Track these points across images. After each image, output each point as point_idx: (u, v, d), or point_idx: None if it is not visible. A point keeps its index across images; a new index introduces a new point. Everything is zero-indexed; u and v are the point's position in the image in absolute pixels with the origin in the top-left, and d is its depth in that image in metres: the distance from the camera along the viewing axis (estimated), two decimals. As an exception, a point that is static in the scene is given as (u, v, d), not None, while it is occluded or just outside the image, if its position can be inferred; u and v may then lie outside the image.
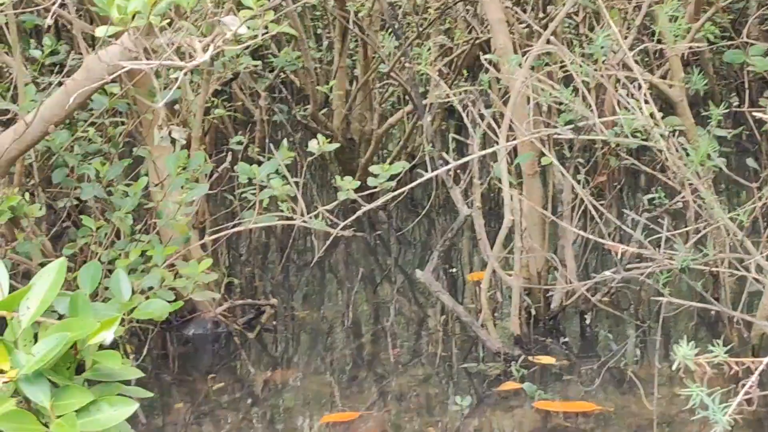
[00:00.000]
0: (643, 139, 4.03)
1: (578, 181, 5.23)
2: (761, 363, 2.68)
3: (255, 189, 4.96)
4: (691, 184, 4.20)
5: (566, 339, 5.18)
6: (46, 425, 3.30)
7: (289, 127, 8.09)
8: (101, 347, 3.59)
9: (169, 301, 4.47)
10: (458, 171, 5.50)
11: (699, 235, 4.39)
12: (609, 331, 5.24)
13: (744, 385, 2.62)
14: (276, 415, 4.64)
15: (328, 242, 4.43)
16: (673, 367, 2.57)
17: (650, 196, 5.31)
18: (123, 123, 5.54)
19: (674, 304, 3.93)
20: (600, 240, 4.58)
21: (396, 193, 4.04)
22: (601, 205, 4.70)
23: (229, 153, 5.99)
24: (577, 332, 5.29)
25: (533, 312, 5.22)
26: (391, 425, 4.49)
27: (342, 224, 3.84)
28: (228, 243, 6.02)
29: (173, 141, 5.11)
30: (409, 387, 4.82)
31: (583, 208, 5.28)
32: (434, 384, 4.83)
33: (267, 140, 6.95)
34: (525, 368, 4.82)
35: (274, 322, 5.58)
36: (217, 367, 5.15)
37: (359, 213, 3.84)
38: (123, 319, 4.16)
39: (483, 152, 3.93)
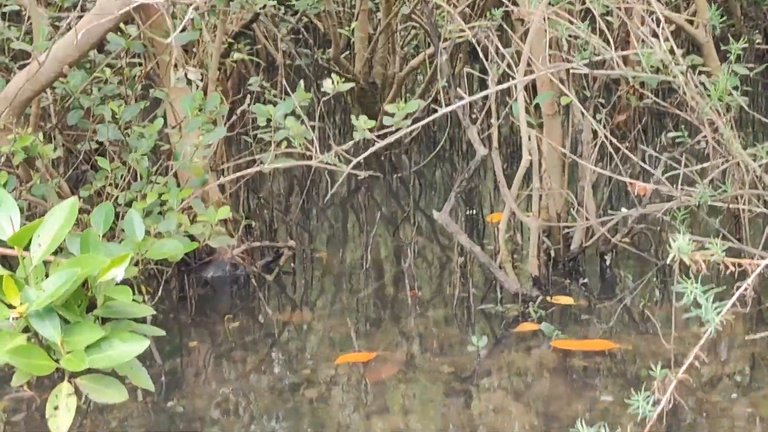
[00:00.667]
0: (660, 74, 3.97)
1: (598, 121, 5.17)
2: (758, 265, 2.65)
3: (271, 131, 4.93)
4: (710, 121, 4.15)
5: (585, 280, 5.15)
6: (56, 361, 3.31)
7: (311, 71, 8.05)
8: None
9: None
10: (477, 112, 5.46)
11: (717, 171, 4.34)
12: (629, 272, 5.20)
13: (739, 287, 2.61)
14: (293, 356, 4.64)
15: (340, 180, 4.40)
16: (668, 260, 2.55)
17: (672, 134, 5.26)
18: (141, 65, 5.51)
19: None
20: (619, 177, 4.53)
21: (411, 128, 3.99)
22: (623, 145, 4.64)
23: (249, 96, 5.95)
24: (596, 273, 5.26)
25: (552, 253, 5.19)
26: (408, 365, 4.48)
27: (355, 161, 3.80)
28: (247, 186, 6.00)
29: (190, 83, 5.09)
30: (427, 328, 4.81)
31: (604, 149, 5.22)
32: (452, 325, 4.82)
33: (284, 84, 6.91)
34: (543, 309, 4.80)
35: (293, 265, 5.58)
36: (235, 309, 5.15)
37: (373, 149, 3.79)
38: (138, 261, 4.16)
39: (499, 87, 3.88)
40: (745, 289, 2.72)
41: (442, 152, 7.49)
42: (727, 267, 2.74)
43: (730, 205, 4.37)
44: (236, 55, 6.31)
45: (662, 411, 2.71)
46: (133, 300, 3.55)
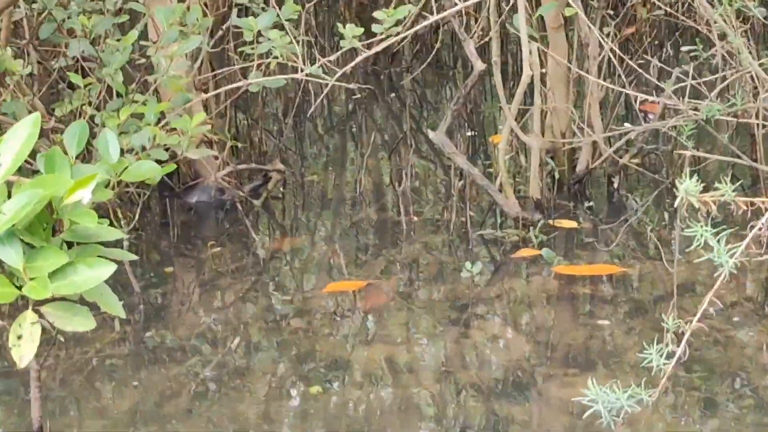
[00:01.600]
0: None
1: (606, 35, 5.08)
2: (773, 203, 2.57)
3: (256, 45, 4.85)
4: (721, 32, 4.05)
5: (591, 203, 5.09)
6: (19, 288, 3.27)
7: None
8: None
9: (162, 164, 4.40)
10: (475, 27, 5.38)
11: (725, 83, 4.25)
12: (638, 195, 5.14)
13: (753, 228, 2.53)
14: (281, 285, 4.61)
15: (324, 92, 4.31)
16: (675, 204, 2.48)
17: (687, 48, 5.16)
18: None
19: (701, 158, 3.82)
20: (626, 91, 4.44)
21: (399, 37, 3.88)
22: (633, 60, 4.55)
23: (236, 9, 5.85)
24: (603, 196, 5.21)
25: (557, 175, 5.13)
26: (401, 294, 4.44)
27: (341, 71, 3.69)
28: (236, 107, 5.93)
29: (169, -6, 5.01)
30: (422, 255, 4.76)
31: (613, 66, 5.13)
32: (449, 251, 4.78)
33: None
34: (545, 234, 4.75)
35: (282, 189, 5.52)
36: (221, 236, 5.11)
37: (360, 58, 3.70)
38: (113, 184, 4.10)
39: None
40: (760, 229, 2.65)
41: (446, 71, 7.40)
42: (739, 207, 2.67)
43: (740, 120, 4.28)
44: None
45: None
46: (101, 223, 3.49)
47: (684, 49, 5.21)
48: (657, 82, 4.37)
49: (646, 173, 5.19)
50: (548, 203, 4.97)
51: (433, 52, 7.22)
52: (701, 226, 2.41)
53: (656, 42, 6.02)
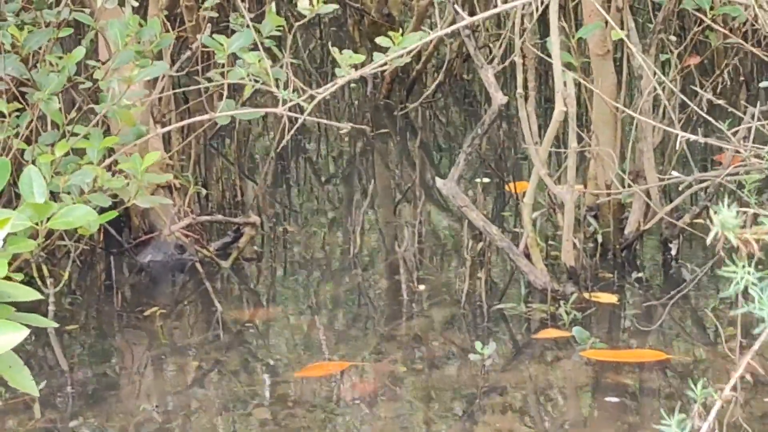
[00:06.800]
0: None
1: (664, 63, 5.21)
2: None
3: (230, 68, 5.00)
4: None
5: (641, 274, 5.18)
6: None
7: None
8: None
9: (101, 211, 4.55)
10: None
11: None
12: (699, 265, 5.23)
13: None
14: (245, 366, 4.71)
15: (290, 133, 4.42)
16: (708, 241, 2.54)
17: (766, 84, 5.28)
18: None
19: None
20: (684, 135, 4.54)
21: (398, 57, 3.99)
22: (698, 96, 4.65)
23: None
24: (657, 266, 5.30)
25: (599, 239, 5.22)
26: (394, 380, 4.53)
27: (314, 101, 3.81)
28: (205, 143, 6.09)
29: (123, 3, 5.16)
30: (424, 332, 4.87)
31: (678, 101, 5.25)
32: (458, 329, 4.88)
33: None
34: (579, 310, 4.84)
35: (258, 248, 5.65)
36: (178, 305, 5.23)
37: (334, 86, 3.82)
38: (38, 233, 4.23)
39: (512, 4, 3.88)
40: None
41: (476, 107, 7.55)
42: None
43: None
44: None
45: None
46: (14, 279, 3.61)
47: (763, 84, 5.32)
48: (718, 124, 4.47)
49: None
50: (586, 273, 5.07)
51: (461, 83, 7.40)
52: (743, 266, 2.42)
53: (731, 76, 6.13)
